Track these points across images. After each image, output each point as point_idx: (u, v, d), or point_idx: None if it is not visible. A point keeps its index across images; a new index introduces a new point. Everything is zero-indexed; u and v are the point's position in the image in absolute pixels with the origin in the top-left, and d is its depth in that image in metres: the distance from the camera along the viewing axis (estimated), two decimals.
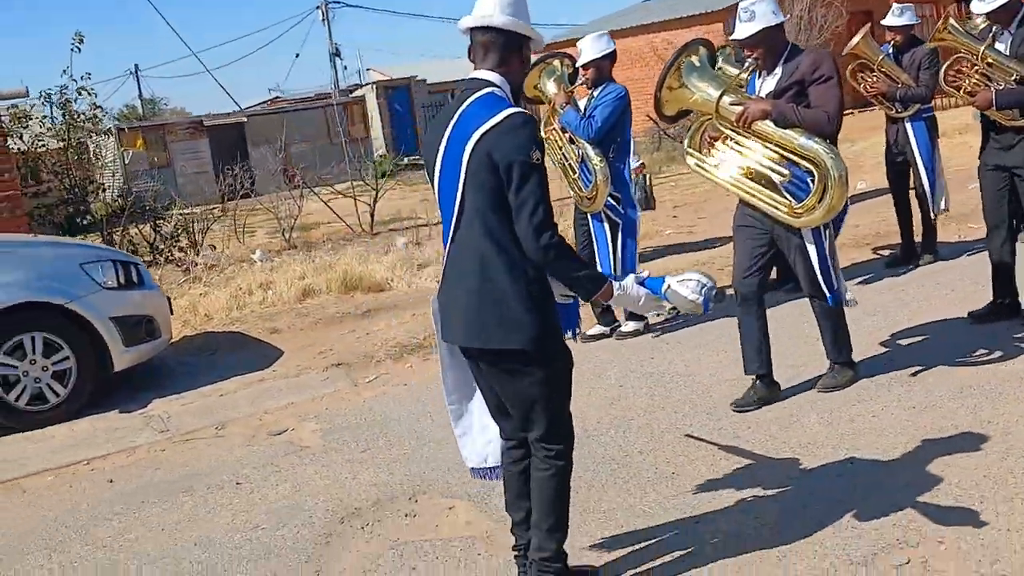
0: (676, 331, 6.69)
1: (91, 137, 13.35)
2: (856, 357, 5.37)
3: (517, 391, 3.25)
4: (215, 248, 12.48)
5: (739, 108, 4.84)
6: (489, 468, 3.67)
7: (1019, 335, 5.52)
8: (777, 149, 4.83)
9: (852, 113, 18.92)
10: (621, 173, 6.56)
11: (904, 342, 5.78)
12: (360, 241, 12.68)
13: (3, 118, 11.15)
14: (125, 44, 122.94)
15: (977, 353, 5.34)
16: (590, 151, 6.44)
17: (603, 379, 5.83)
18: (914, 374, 5.18)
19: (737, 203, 5.17)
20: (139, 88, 58.30)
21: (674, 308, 6.51)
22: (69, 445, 6.03)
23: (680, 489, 4.24)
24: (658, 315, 6.91)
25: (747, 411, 5.01)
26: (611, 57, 6.62)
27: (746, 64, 5.05)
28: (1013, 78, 5.52)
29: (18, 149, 12.18)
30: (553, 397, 3.28)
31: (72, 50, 12.33)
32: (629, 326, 6.76)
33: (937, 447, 4.25)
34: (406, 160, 22.95)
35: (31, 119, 12.60)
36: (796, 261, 5.03)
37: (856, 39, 7.46)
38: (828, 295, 5.01)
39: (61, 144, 13.03)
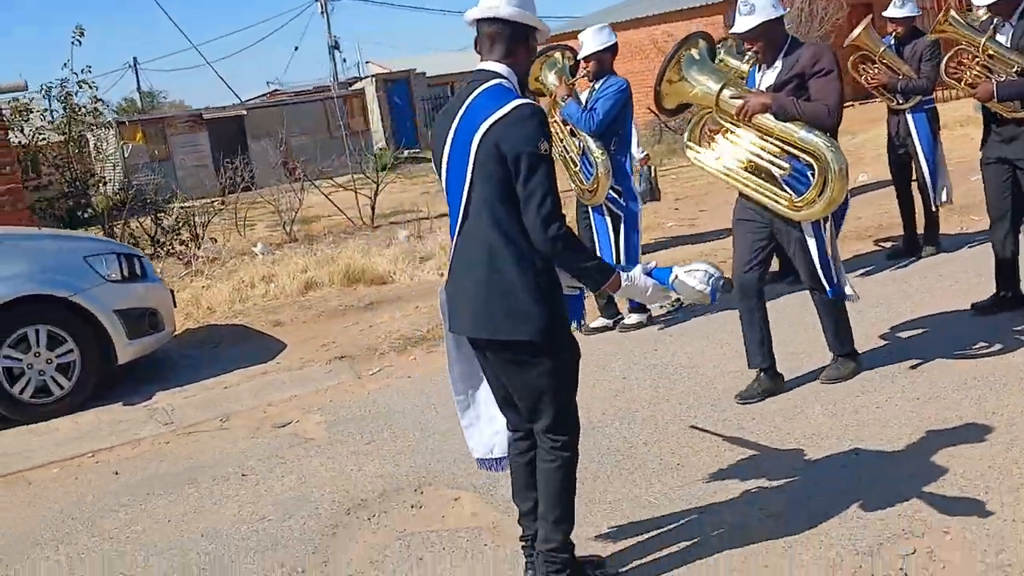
0: (680, 323, 6.69)
1: (92, 130, 13.35)
2: (859, 349, 5.38)
3: (525, 382, 3.26)
4: (216, 241, 12.48)
5: (739, 101, 4.83)
6: (495, 459, 3.68)
7: (1022, 327, 5.53)
8: (777, 142, 4.83)
9: (853, 105, 18.92)
10: (622, 166, 6.56)
11: (907, 334, 5.80)
12: (361, 234, 12.67)
13: (4, 112, 11.14)
14: (123, 37, 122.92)
15: (981, 345, 5.35)
16: (591, 144, 6.44)
17: (607, 371, 5.85)
18: (918, 366, 5.19)
19: (737, 196, 5.18)
20: (138, 81, 58.27)
21: (678, 300, 6.55)
22: (74, 437, 6.05)
23: (685, 480, 4.26)
24: (661, 307, 6.94)
25: (751, 403, 5.02)
26: (612, 50, 6.62)
27: (746, 57, 5.05)
28: (1014, 70, 5.52)
29: (19, 142, 12.17)
30: (560, 388, 3.29)
31: (72, 43, 12.34)
32: (632, 319, 6.76)
33: (942, 438, 4.26)
34: (406, 153, 22.94)
35: (32, 112, 12.59)
36: (796, 254, 5.03)
37: (857, 30, 7.46)
38: (828, 288, 5.02)
39: (62, 137, 13.02)
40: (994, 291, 5.93)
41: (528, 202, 3.08)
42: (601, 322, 6.81)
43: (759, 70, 5.05)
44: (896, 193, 7.73)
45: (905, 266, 7.41)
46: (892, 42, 7.48)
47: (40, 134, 12.88)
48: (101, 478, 5.33)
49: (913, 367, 5.18)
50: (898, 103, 7.47)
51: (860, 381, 5.10)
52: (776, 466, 4.26)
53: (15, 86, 11.51)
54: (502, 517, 4.11)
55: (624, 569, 3.57)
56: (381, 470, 4.82)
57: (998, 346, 5.29)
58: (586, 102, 6.51)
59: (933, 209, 7.59)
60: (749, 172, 4.98)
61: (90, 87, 12.58)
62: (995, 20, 5.64)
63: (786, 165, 4.81)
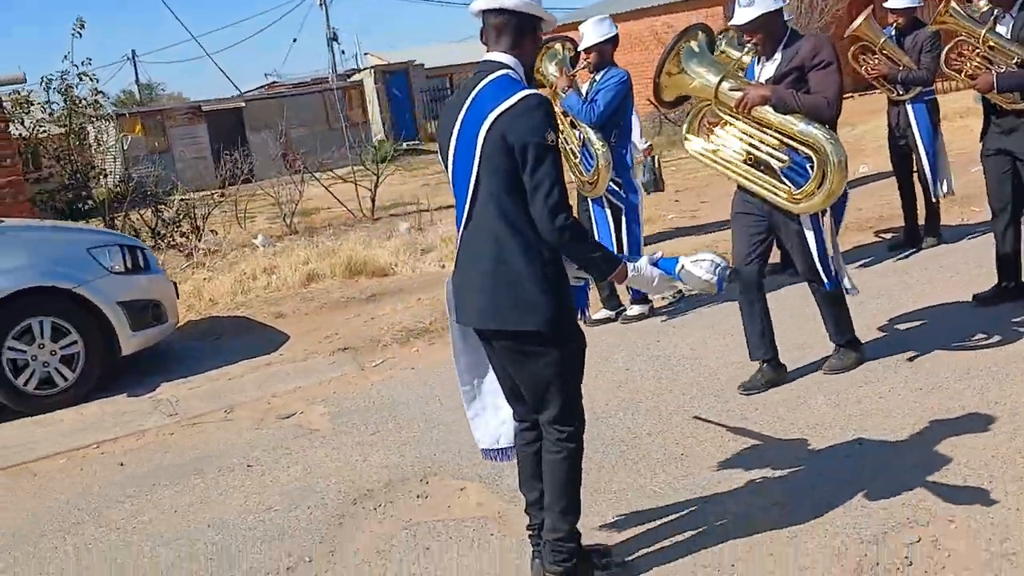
0: (682, 315, 6.71)
1: (92, 122, 13.34)
2: (861, 339, 5.40)
3: (532, 372, 3.28)
4: (216, 233, 12.49)
5: (738, 94, 4.84)
6: (501, 449, 3.69)
7: None
8: (776, 135, 4.83)
9: (852, 96, 18.91)
10: (623, 158, 6.57)
11: (909, 324, 5.81)
12: (361, 226, 12.69)
13: (5, 104, 11.13)
14: (121, 30, 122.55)
15: (983, 335, 5.37)
16: (592, 135, 6.45)
17: (610, 362, 5.87)
18: (920, 356, 5.21)
19: (735, 189, 5.19)
20: (136, 73, 58.19)
21: (679, 292, 6.53)
22: (78, 429, 6.07)
23: (689, 470, 4.28)
24: (663, 297, 6.96)
25: (754, 393, 5.05)
26: (613, 41, 6.63)
27: (745, 49, 5.06)
28: (1014, 61, 5.53)
29: (19, 135, 12.17)
30: (567, 378, 3.31)
31: (73, 35, 12.33)
32: (634, 310, 6.78)
33: (945, 428, 4.28)
34: (404, 145, 22.92)
35: (32, 105, 12.58)
36: (794, 247, 5.05)
37: (858, 21, 7.46)
38: (826, 281, 5.03)
39: (62, 130, 13.01)
40: (995, 282, 5.94)
41: (535, 193, 3.09)
42: (604, 313, 6.83)
43: (758, 62, 5.05)
44: (898, 184, 7.75)
45: (906, 257, 7.43)
46: (893, 33, 7.48)
47: (41, 126, 12.87)
48: (106, 469, 5.35)
49: (915, 357, 5.20)
50: (898, 94, 7.48)
51: (863, 371, 5.12)
52: (780, 456, 4.28)
53: (14, 78, 11.50)
54: (508, 507, 4.14)
55: (630, 558, 3.58)
56: (386, 460, 4.85)
57: (1000, 336, 5.32)
58: (586, 93, 6.51)
59: (933, 200, 7.61)
60: (748, 164, 4.99)
61: (91, 79, 12.60)
62: (995, 11, 5.65)
63: (785, 157, 4.81)
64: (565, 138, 6.67)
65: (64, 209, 12.31)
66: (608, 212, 6.61)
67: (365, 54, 41.33)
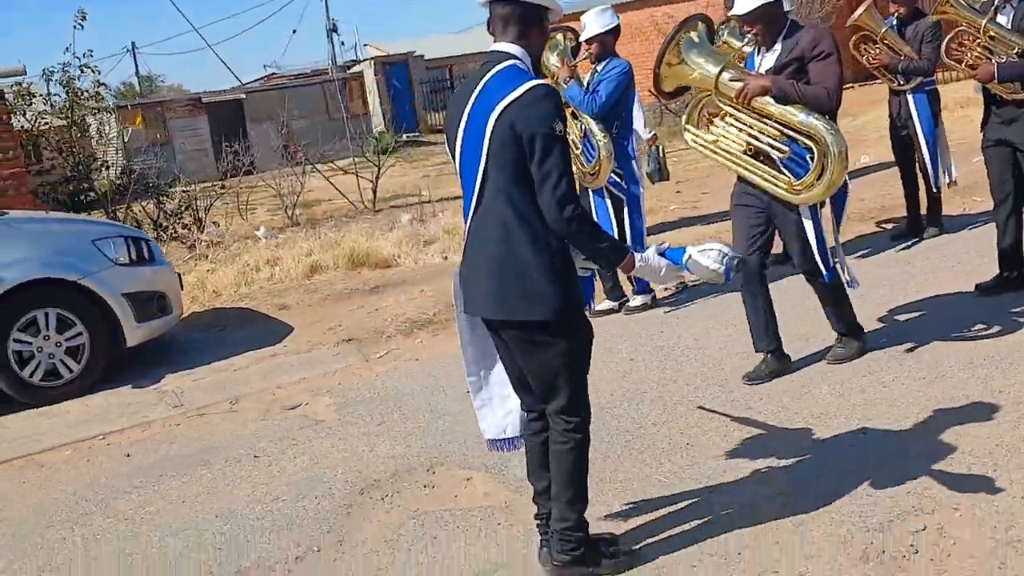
0: (685, 306, 6.73)
1: (94, 114, 13.35)
2: (865, 329, 5.42)
3: (540, 363, 3.29)
4: (218, 225, 12.50)
5: (738, 84, 4.83)
6: (508, 439, 3.70)
7: None
8: (777, 125, 4.83)
9: (852, 87, 18.88)
10: (624, 149, 6.58)
11: (912, 314, 5.83)
12: (363, 218, 12.70)
13: (7, 96, 11.13)
14: (119, 22, 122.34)
15: (985, 325, 5.38)
16: (594, 126, 6.44)
17: (614, 353, 5.88)
18: (923, 345, 5.23)
19: (735, 180, 5.19)
20: (136, 65, 58.05)
21: (682, 283, 6.55)
22: (84, 420, 6.09)
23: (694, 460, 4.30)
24: (666, 288, 6.98)
25: (758, 383, 5.06)
26: (615, 32, 6.63)
27: (746, 39, 5.06)
28: (1015, 51, 5.55)
29: (22, 127, 12.17)
30: (575, 369, 3.33)
31: (74, 27, 12.35)
32: (637, 300, 6.80)
33: (949, 417, 4.30)
34: (405, 136, 22.92)
35: (35, 97, 12.59)
36: (792, 237, 5.03)
37: (860, 11, 7.46)
38: (824, 272, 5.02)
39: (64, 122, 13.02)
40: (998, 271, 5.96)
41: (543, 183, 3.10)
42: (607, 304, 6.84)
43: (758, 53, 5.05)
44: (900, 174, 7.75)
45: (908, 247, 7.45)
46: (894, 23, 7.48)
47: (43, 118, 12.88)
48: (113, 460, 5.37)
49: (918, 347, 5.21)
50: (899, 84, 7.49)
51: (866, 361, 5.14)
52: (784, 446, 4.30)
53: (14, 71, 11.52)
54: (514, 496, 4.16)
55: (636, 547, 3.60)
56: (393, 451, 4.87)
57: (1003, 326, 5.33)
58: (588, 84, 6.52)
59: (934, 191, 7.61)
60: (748, 155, 4.98)
61: (93, 71, 12.59)
62: (996, 1, 5.66)
63: (785, 148, 4.81)
64: (567, 129, 6.66)
65: (66, 201, 12.33)
66: (608, 203, 6.62)
67: (364, 45, 41.35)
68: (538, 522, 3.58)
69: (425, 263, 9.21)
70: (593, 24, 6.52)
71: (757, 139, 4.90)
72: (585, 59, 6.71)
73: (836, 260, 5.16)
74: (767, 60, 4.96)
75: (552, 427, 3.43)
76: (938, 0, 6.08)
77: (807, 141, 4.75)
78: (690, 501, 3.92)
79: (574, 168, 6.64)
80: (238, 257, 10.08)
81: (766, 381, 5.07)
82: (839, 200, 5.06)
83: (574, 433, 3.39)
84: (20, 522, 4.66)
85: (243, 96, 26.78)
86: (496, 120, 3.13)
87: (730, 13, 5.16)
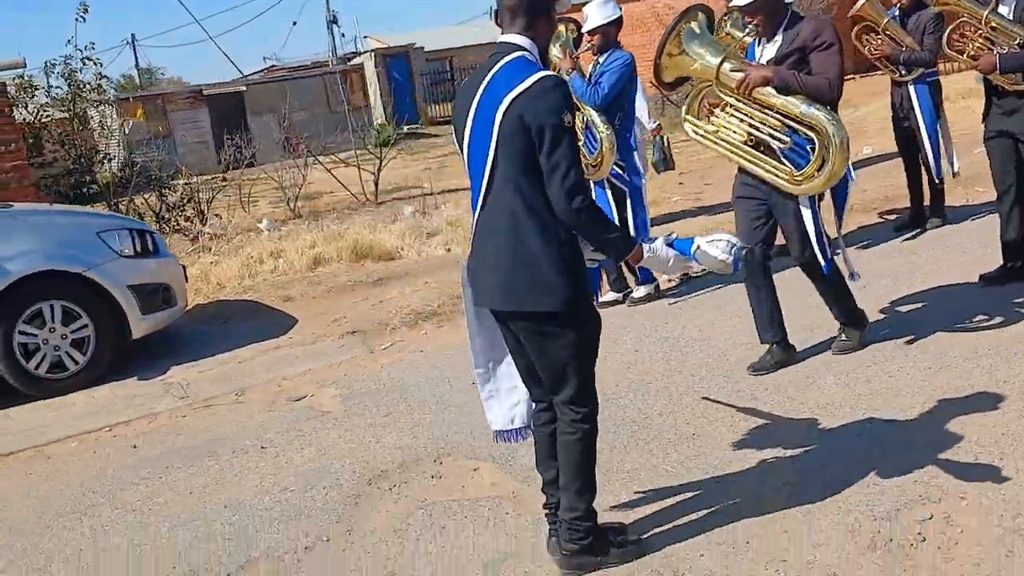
0: (689, 297, 6.74)
1: (97, 107, 13.35)
2: (870, 320, 5.44)
3: (549, 353, 3.30)
4: (220, 217, 12.51)
5: (739, 75, 4.82)
6: (516, 429, 3.72)
7: None
8: (778, 116, 4.82)
9: (854, 78, 18.87)
10: (627, 141, 6.58)
11: (917, 305, 5.84)
12: (365, 210, 12.70)
13: (9, 89, 11.13)
14: (119, 15, 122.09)
15: (990, 315, 5.38)
16: (596, 118, 6.44)
17: (619, 344, 5.89)
18: (928, 336, 5.23)
19: (736, 171, 5.19)
20: (136, 58, 57.99)
21: (685, 274, 6.53)
22: (90, 412, 6.11)
23: (701, 450, 4.32)
24: (670, 280, 6.99)
25: (763, 374, 5.07)
26: (617, 23, 6.63)
27: (747, 30, 5.05)
28: (1016, 42, 5.55)
29: (24, 120, 12.18)
30: (583, 360, 3.34)
31: (77, 20, 12.35)
32: (640, 291, 6.81)
33: (954, 406, 4.32)
34: (405, 129, 22.90)
35: (37, 89, 12.59)
36: (790, 227, 5.01)
37: (862, 1, 7.46)
38: (824, 263, 4.99)
39: (65, 114, 13.02)
40: (1001, 262, 5.97)
41: (552, 174, 3.11)
42: (611, 296, 6.85)
43: (759, 44, 5.05)
44: (904, 165, 7.76)
45: (912, 238, 7.45)
46: (896, 13, 7.48)
47: (44, 111, 12.88)
48: (119, 452, 5.39)
49: (923, 337, 5.22)
50: (900, 75, 7.49)
51: (871, 351, 5.15)
52: (791, 435, 4.32)
53: (13, 63, 11.51)
54: (521, 486, 4.18)
55: (644, 536, 3.62)
56: (399, 442, 4.88)
57: (1007, 316, 5.34)
58: (590, 76, 6.52)
59: (936, 182, 7.61)
60: (749, 146, 4.97)
61: (95, 64, 12.59)
62: None
63: (787, 139, 4.81)
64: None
65: (68, 194, 12.33)
66: (609, 194, 6.62)
67: (364, 37, 41.32)
68: (547, 512, 3.59)
69: (428, 255, 9.21)
70: (596, 15, 6.52)
71: (758, 129, 4.90)
72: (587, 50, 6.70)
73: (838, 252, 5.17)
74: (768, 51, 4.96)
75: (560, 418, 3.44)
76: None
77: (808, 132, 4.75)
78: (697, 491, 3.93)
79: None
80: (241, 249, 10.08)
81: (771, 372, 5.08)
82: (840, 192, 5.06)
83: (582, 424, 3.41)
84: (28, 513, 4.68)
85: (244, 88, 26.75)
86: (505, 111, 3.14)
87: (731, 4, 5.16)
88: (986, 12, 5.65)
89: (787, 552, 3.39)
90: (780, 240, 5.41)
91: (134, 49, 49.79)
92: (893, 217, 8.17)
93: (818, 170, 4.75)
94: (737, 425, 4.52)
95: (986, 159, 6.02)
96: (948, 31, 5.99)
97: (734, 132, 5.01)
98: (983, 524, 3.37)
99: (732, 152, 5.04)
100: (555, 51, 6.79)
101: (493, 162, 3.21)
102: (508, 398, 3.68)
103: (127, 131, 17.98)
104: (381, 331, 6.97)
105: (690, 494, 3.91)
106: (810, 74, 4.75)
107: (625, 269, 6.79)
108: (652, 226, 8.01)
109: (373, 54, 31.04)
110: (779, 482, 3.91)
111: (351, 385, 5.92)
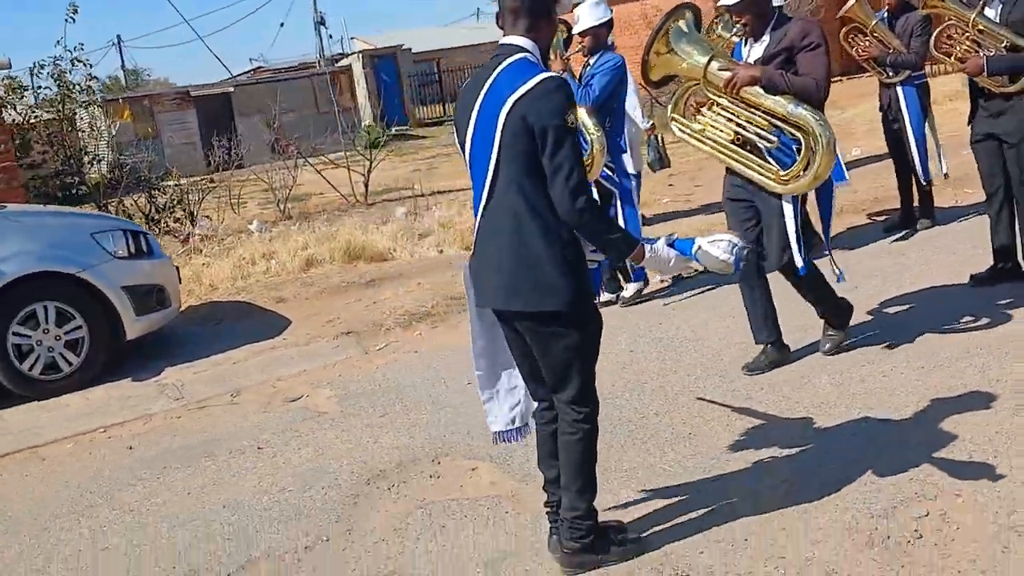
0: (683, 297, 6.77)
1: (86, 108, 13.31)
2: (861, 320, 5.49)
3: (552, 354, 3.33)
4: (210, 219, 12.48)
5: (727, 74, 4.83)
6: (515, 429, 3.74)
7: (1021, 296, 5.62)
8: (765, 115, 4.84)
9: (841, 80, 18.97)
10: (617, 143, 6.60)
11: (908, 305, 5.89)
12: (356, 212, 12.70)
13: None
14: (103, 16, 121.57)
15: (981, 315, 5.43)
16: (587, 120, 6.46)
17: (613, 344, 5.91)
18: (920, 336, 5.28)
19: (725, 173, 5.21)
20: (122, 59, 57.70)
21: (677, 275, 6.53)
22: (84, 413, 6.10)
23: (697, 449, 4.35)
24: (662, 280, 7.03)
25: (758, 374, 5.11)
26: (608, 25, 6.66)
27: (735, 30, 5.07)
28: (1003, 44, 5.60)
29: (12, 121, 12.13)
30: (586, 359, 3.38)
31: (66, 21, 12.33)
32: (630, 289, 6.84)
33: (948, 405, 4.36)
34: (393, 130, 22.89)
35: (27, 90, 12.54)
36: (771, 228, 4.99)
37: (851, 2, 7.51)
38: (802, 263, 4.97)
39: (55, 115, 12.97)
40: (991, 263, 6.02)
41: (556, 175, 3.14)
42: (606, 296, 6.88)
43: (745, 44, 5.08)
44: (894, 167, 7.81)
45: (902, 239, 7.50)
46: (885, 15, 7.54)
47: (33, 112, 12.84)
48: (115, 453, 5.39)
49: (916, 337, 5.27)
50: (887, 76, 7.54)
51: (865, 351, 5.20)
52: (787, 435, 4.35)
53: None
54: (520, 485, 4.20)
55: (643, 534, 3.65)
56: (397, 442, 4.90)
57: (998, 316, 5.39)
58: (580, 77, 6.54)
59: (923, 184, 7.65)
60: (736, 145, 4.98)
61: (84, 64, 12.56)
62: None
63: (774, 138, 4.82)
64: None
65: (57, 195, 12.29)
66: (596, 196, 6.63)
67: (352, 38, 41.27)
68: (548, 510, 3.62)
69: (421, 256, 9.23)
70: (587, 17, 6.54)
71: (745, 128, 4.90)
72: (578, 52, 6.73)
73: (824, 254, 5.19)
74: (755, 51, 4.98)
75: (561, 418, 3.47)
76: None
77: (795, 132, 4.77)
78: (695, 489, 3.97)
79: None
80: (232, 251, 10.08)
81: (766, 371, 5.12)
82: (825, 193, 5.08)
83: (583, 423, 3.43)
84: (25, 514, 4.68)
85: (231, 89, 26.71)
86: (508, 113, 3.16)
87: (719, 3, 5.18)
88: (973, 15, 5.71)
89: (785, 549, 3.43)
90: None
91: (120, 50, 49.60)
92: (883, 218, 8.22)
93: (804, 170, 4.77)
94: (733, 425, 4.56)
95: (974, 160, 6.08)
96: (936, 33, 6.05)
97: (721, 131, 5.02)
98: (978, 521, 3.42)
99: (719, 151, 5.04)
100: None
101: (496, 163, 3.23)
102: (508, 399, 3.71)
103: (114, 132, 17.90)
104: (375, 332, 6.99)
105: (688, 492, 3.94)
106: (797, 74, 4.78)
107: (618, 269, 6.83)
108: (644, 226, 8.07)
109: (361, 55, 31.02)
110: (776, 480, 3.95)
111: (346, 386, 5.94)
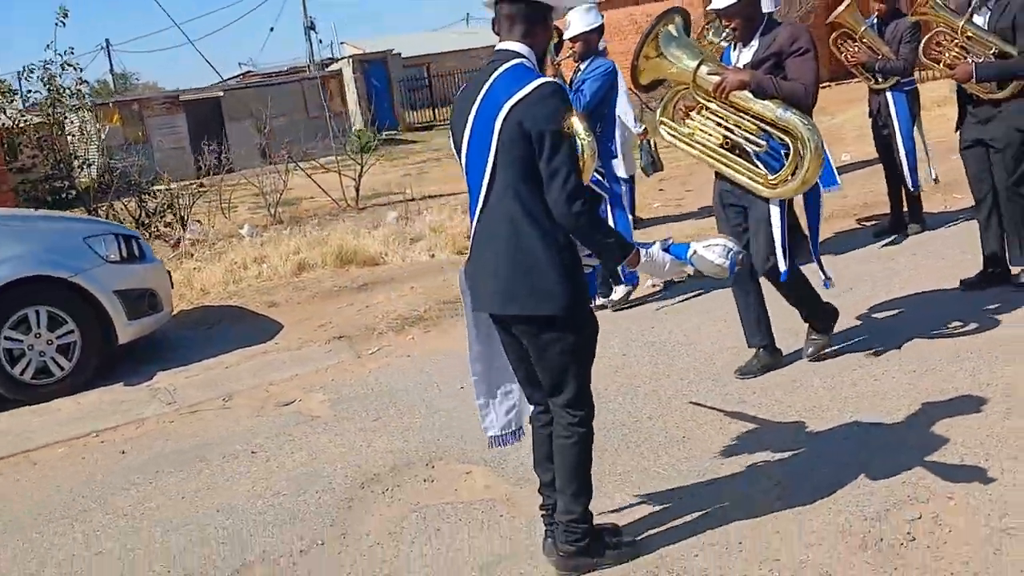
0: (675, 301, 6.80)
1: (77, 112, 13.28)
2: (851, 325, 5.53)
3: (549, 357, 3.34)
4: (201, 223, 12.47)
5: (716, 78, 4.84)
6: (511, 432, 3.76)
7: (1010, 301, 5.67)
8: (754, 120, 4.86)
9: (829, 86, 19.06)
10: (607, 148, 6.63)
11: (899, 310, 5.92)
12: (347, 216, 12.70)
13: None
14: (91, 20, 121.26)
15: (971, 319, 5.47)
16: (577, 125, 6.46)
17: (606, 348, 5.90)
18: (911, 340, 5.31)
19: (715, 178, 5.22)
20: (110, 63, 57.60)
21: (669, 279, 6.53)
22: (76, 418, 6.09)
23: (691, 452, 4.37)
24: (654, 285, 7.06)
25: (751, 378, 5.13)
26: (599, 30, 6.69)
27: (724, 34, 5.10)
28: (992, 51, 5.65)
29: (1, 125, 12.10)
30: (582, 363, 3.39)
31: (56, 25, 12.30)
32: (618, 292, 6.85)
33: (939, 409, 4.39)
34: (384, 135, 22.90)
35: (16, 94, 12.51)
36: (757, 232, 5.01)
37: (841, 8, 7.56)
38: (784, 268, 4.97)
39: (44, 119, 12.93)
40: (981, 267, 6.06)
41: (552, 179, 3.15)
42: (599, 300, 6.90)
43: (734, 48, 5.10)
44: (884, 172, 7.85)
45: (891, 244, 7.55)
46: (874, 22, 7.58)
47: (23, 116, 12.81)
48: (108, 457, 5.38)
49: (907, 342, 5.30)
50: (876, 82, 7.59)
51: (856, 355, 5.23)
52: (780, 438, 4.38)
53: None
54: (514, 489, 4.22)
55: (639, 538, 3.66)
56: (391, 446, 4.91)
57: (988, 320, 5.43)
58: (571, 82, 6.57)
59: (911, 190, 7.69)
60: (724, 149, 4.99)
61: (74, 68, 12.54)
62: (972, 2, 5.77)
63: (762, 143, 4.83)
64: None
65: (47, 199, 12.27)
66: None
67: (342, 43, 41.24)
68: (543, 512, 3.63)
69: (413, 260, 9.24)
70: (578, 22, 6.57)
71: (733, 132, 4.92)
72: (568, 57, 6.75)
73: (813, 259, 5.20)
74: (744, 55, 5.01)
75: (556, 422, 3.48)
76: (917, 1, 6.18)
77: (783, 136, 4.78)
78: (689, 493, 3.99)
79: None
80: (224, 255, 10.06)
81: (758, 375, 5.14)
82: (812, 198, 5.10)
83: (578, 427, 3.45)
84: (18, 519, 4.67)
85: (221, 94, 26.66)
86: (505, 118, 3.18)
87: (709, 8, 5.21)
88: (962, 22, 5.76)
89: (780, 552, 3.45)
90: None
91: (108, 54, 49.50)
92: (872, 223, 8.26)
93: (792, 174, 4.79)
94: (726, 428, 4.58)
95: (962, 166, 6.12)
96: (925, 40, 6.10)
97: (710, 135, 5.03)
98: (971, 524, 3.44)
99: (707, 155, 5.05)
100: None
101: (492, 168, 3.25)
102: (503, 403, 3.72)
103: (104, 136, 17.86)
104: (368, 336, 6.99)
105: (682, 496, 3.96)
106: (786, 79, 4.80)
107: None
108: (640, 229, 8.11)
109: (351, 60, 31.01)
110: (770, 484, 3.97)
111: (339, 390, 5.94)
